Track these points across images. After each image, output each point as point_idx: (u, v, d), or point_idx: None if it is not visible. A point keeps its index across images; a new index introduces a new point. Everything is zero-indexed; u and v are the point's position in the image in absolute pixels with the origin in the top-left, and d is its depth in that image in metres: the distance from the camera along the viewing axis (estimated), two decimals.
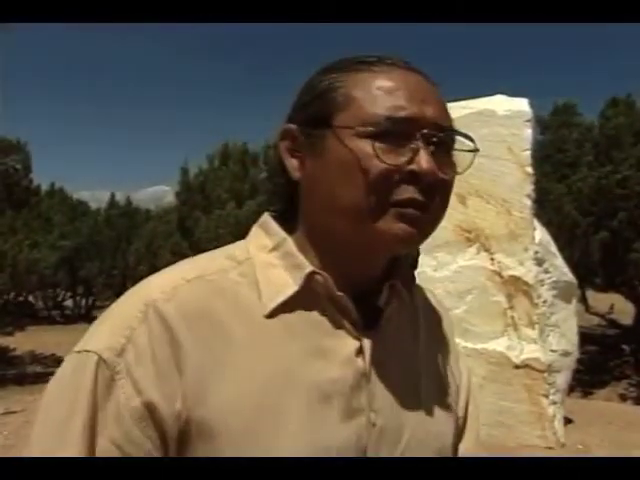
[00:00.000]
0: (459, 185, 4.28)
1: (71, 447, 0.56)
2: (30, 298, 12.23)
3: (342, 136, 0.61)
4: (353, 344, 0.64)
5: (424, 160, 0.60)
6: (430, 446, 0.67)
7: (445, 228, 3.93)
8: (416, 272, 4.26)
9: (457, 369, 0.78)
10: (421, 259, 4.07)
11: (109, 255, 13.59)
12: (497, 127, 3.91)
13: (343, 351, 0.63)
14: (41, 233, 10.22)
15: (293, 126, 0.66)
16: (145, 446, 0.57)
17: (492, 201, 3.84)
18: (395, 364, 0.67)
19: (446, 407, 0.72)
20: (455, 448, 0.75)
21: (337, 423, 0.61)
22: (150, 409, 0.57)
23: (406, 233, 0.61)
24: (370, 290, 0.67)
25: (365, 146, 0.60)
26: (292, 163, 0.66)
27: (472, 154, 0.66)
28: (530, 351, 3.69)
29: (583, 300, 8.97)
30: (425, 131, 0.61)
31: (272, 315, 0.62)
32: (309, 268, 0.64)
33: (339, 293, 0.63)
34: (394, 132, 0.60)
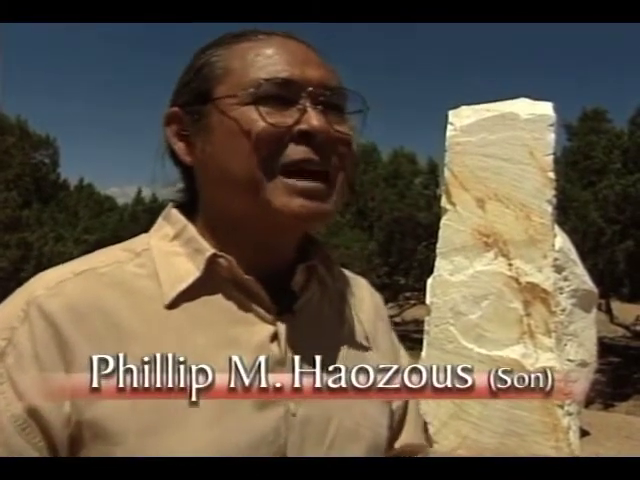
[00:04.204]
0: (478, 188, 4.22)
1: None
2: None
3: (224, 107, 0.59)
4: (266, 330, 0.60)
5: (313, 118, 0.57)
6: (362, 437, 0.63)
7: (463, 232, 3.85)
8: (432, 276, 4.18)
9: (394, 358, 0.73)
10: (438, 262, 4.00)
11: None
12: (519, 131, 3.81)
13: (255, 338, 0.59)
14: (67, 227, 10.40)
15: (176, 109, 0.63)
16: (30, 456, 0.52)
17: (511, 206, 3.75)
18: (316, 350, 0.61)
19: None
20: (391, 442, 0.71)
21: (249, 415, 0.57)
22: (34, 415, 0.53)
23: (305, 209, 0.57)
24: (286, 272, 0.63)
25: (249, 111, 0.57)
26: (180, 147, 0.63)
27: (363, 114, 0.63)
28: (546, 360, 3.60)
29: (608, 310, 8.78)
30: (310, 89, 0.58)
31: (173, 305, 0.58)
32: (210, 251, 0.60)
33: (246, 276, 0.60)
34: (277, 95, 0.58)
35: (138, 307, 0.58)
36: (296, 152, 0.58)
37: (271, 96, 0.58)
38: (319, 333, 0.64)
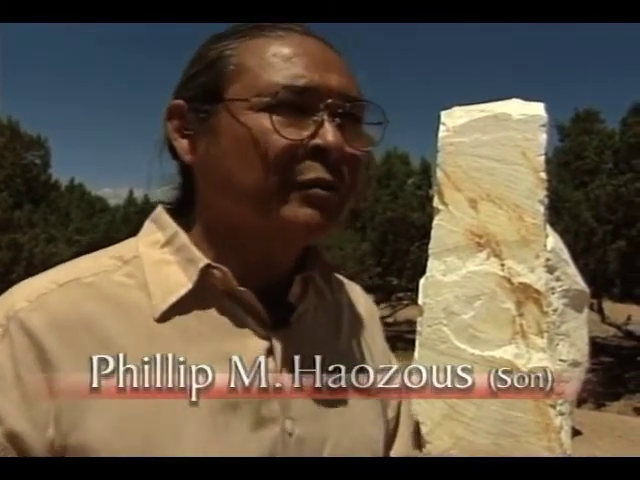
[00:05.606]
0: (471, 189, 4.28)
1: None
2: None
3: (235, 110, 0.55)
4: (261, 345, 0.57)
5: (330, 133, 0.54)
6: (359, 454, 0.61)
7: (455, 232, 3.86)
8: (425, 276, 4.20)
9: (387, 364, 0.71)
10: (430, 263, 4.00)
11: None
12: (512, 131, 3.83)
13: (249, 354, 0.55)
14: (59, 228, 10.34)
15: (181, 102, 0.59)
16: None
17: (504, 206, 3.74)
18: (312, 365, 0.58)
19: (374, 410, 0.66)
20: (386, 449, 0.69)
21: (245, 435, 0.54)
22: (14, 440, 0.49)
23: (314, 220, 0.54)
24: (282, 283, 0.61)
25: (262, 120, 0.54)
26: (182, 144, 0.59)
27: (383, 126, 0.59)
28: (538, 360, 3.61)
29: (599, 310, 8.81)
30: (329, 101, 0.54)
31: (164, 318, 0.55)
32: (204, 261, 0.56)
33: (241, 288, 0.56)
34: (293, 103, 0.54)
35: (126, 320, 0.54)
36: (310, 170, 0.54)
37: (286, 103, 0.54)
38: (314, 344, 0.61)
